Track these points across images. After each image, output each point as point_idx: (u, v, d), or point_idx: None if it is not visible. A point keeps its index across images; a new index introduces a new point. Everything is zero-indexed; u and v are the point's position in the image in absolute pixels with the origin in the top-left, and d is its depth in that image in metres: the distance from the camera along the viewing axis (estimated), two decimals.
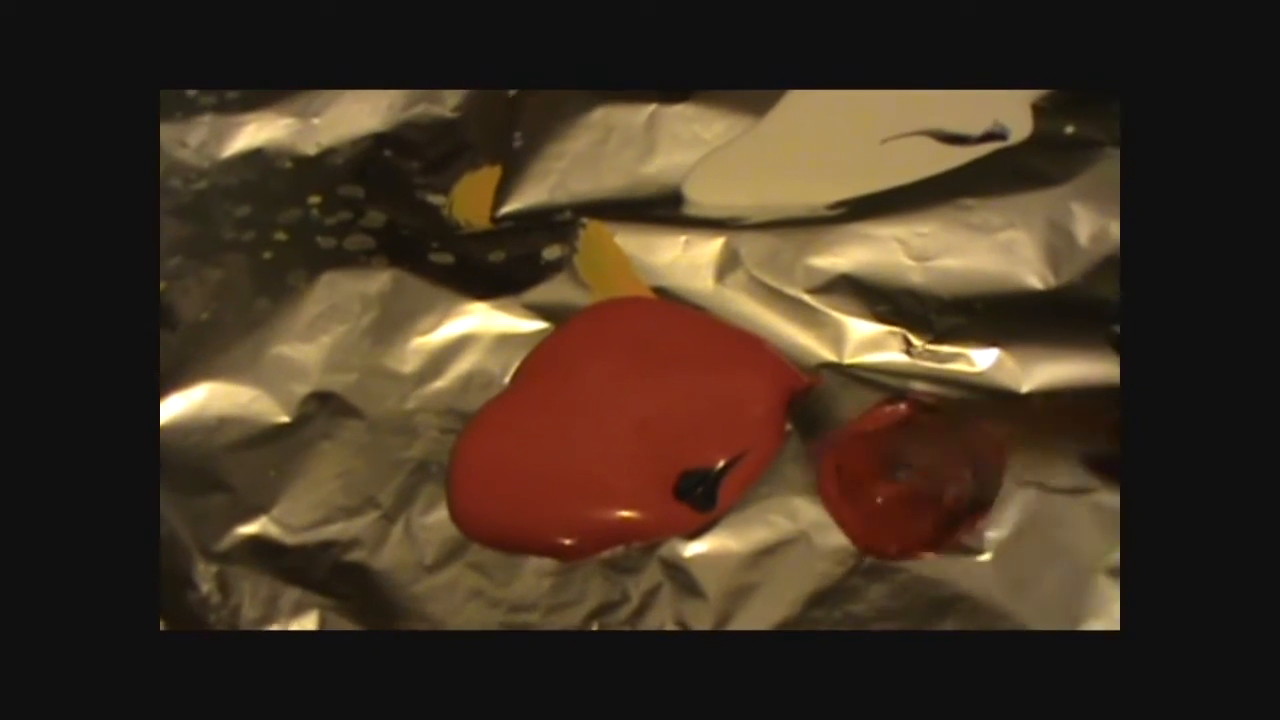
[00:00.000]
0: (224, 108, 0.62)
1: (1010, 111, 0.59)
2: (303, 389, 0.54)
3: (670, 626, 0.49)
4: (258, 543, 0.51)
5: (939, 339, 0.54)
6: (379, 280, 0.57)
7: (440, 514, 0.52)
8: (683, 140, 0.60)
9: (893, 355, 0.54)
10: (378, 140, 0.61)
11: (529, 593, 0.50)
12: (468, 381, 0.54)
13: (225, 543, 0.51)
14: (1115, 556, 0.49)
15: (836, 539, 0.50)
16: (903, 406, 0.52)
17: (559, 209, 0.59)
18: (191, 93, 0.62)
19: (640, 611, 0.49)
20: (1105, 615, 0.48)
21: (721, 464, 0.52)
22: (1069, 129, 0.59)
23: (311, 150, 0.61)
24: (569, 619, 0.50)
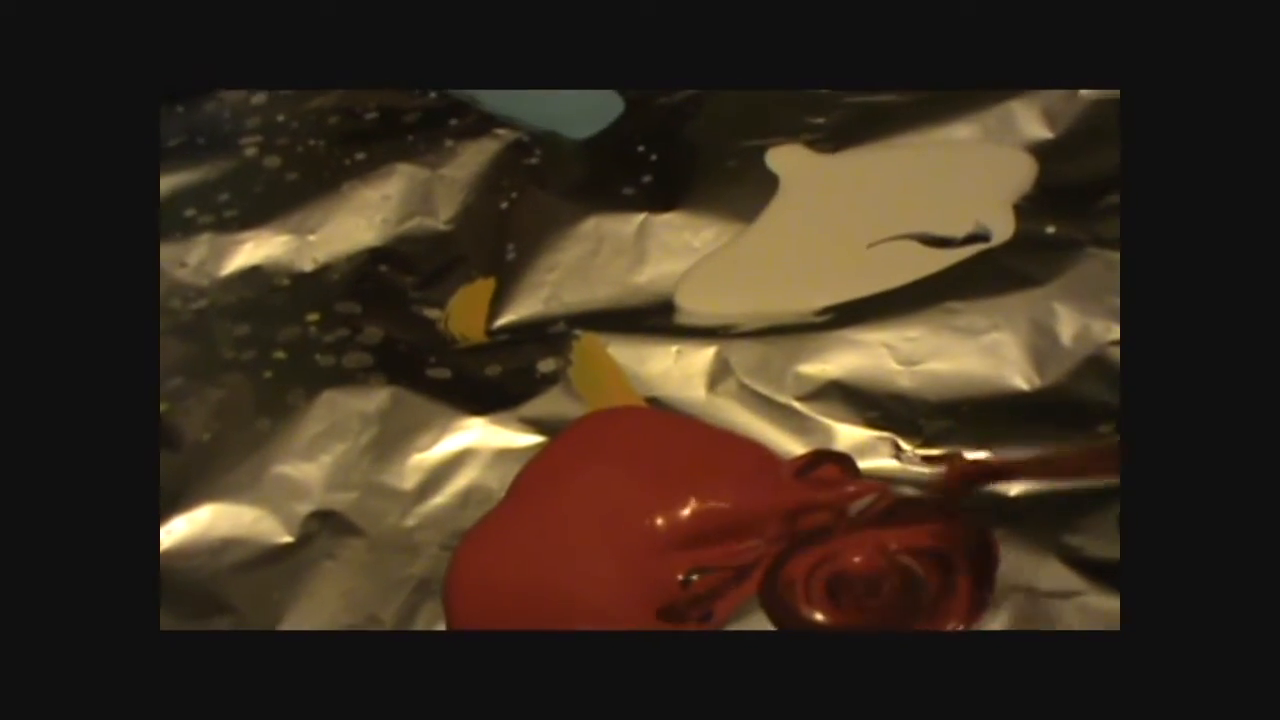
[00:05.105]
0: (222, 226, 0.63)
1: (992, 213, 0.60)
2: (305, 508, 0.55)
3: None
4: None
5: (928, 443, 0.55)
6: (377, 398, 0.57)
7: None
8: (673, 249, 0.61)
9: (883, 461, 0.55)
10: (373, 255, 0.62)
11: None
12: (466, 498, 0.55)
13: None
14: None
15: None
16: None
17: (552, 320, 0.60)
18: (190, 211, 0.64)
19: None
20: None
21: (720, 578, 0.52)
22: (1050, 229, 0.60)
23: (308, 266, 0.62)
24: None
